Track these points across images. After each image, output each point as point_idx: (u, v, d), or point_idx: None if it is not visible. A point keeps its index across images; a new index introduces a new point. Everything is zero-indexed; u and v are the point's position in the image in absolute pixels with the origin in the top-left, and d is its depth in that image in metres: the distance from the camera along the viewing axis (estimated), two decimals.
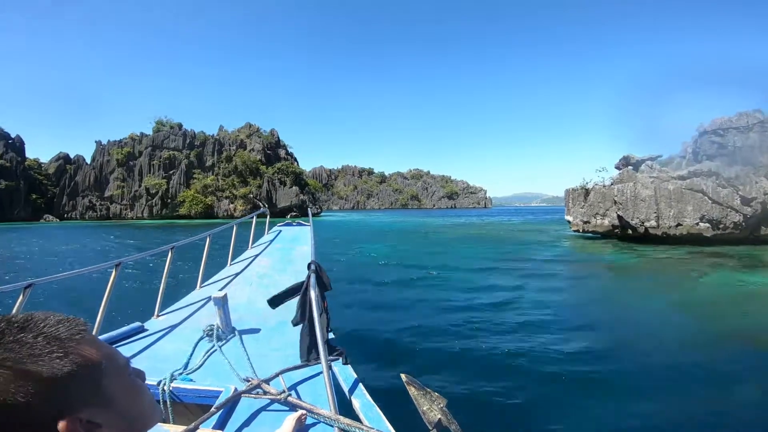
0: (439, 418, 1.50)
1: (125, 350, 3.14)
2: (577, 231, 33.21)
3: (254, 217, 8.64)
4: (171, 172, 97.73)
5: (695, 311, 10.48)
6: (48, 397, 0.52)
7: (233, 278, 5.46)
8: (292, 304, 3.10)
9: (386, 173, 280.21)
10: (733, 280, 14.25)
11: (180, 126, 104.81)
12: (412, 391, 1.66)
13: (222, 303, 3.36)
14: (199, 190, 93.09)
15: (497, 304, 10.81)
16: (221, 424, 2.09)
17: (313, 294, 2.72)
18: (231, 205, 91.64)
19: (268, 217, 9.77)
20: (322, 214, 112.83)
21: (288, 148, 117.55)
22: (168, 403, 2.35)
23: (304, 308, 2.90)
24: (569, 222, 34.47)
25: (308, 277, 2.96)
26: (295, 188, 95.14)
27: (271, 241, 7.95)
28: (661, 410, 5.31)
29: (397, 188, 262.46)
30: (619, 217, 28.76)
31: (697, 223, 25.68)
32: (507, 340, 7.92)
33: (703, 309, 10.69)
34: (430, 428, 1.56)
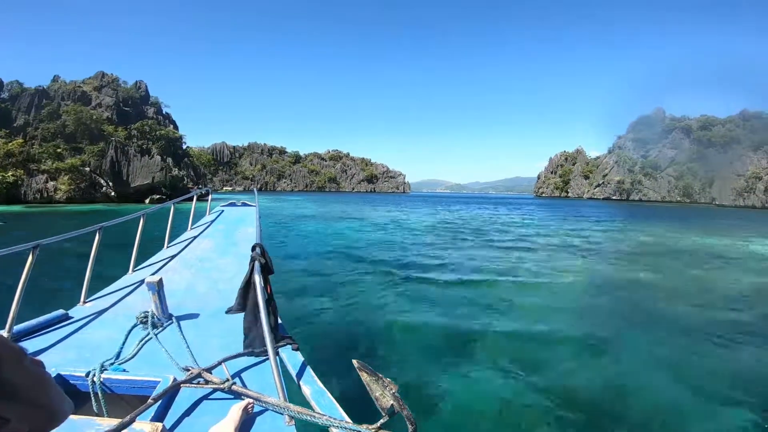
0: (392, 404, 1.50)
1: (46, 339, 2.83)
2: None
3: (194, 196, 8.14)
4: None
5: None
6: None
7: (170, 261, 4.99)
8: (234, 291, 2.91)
9: (302, 153, 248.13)
10: None
11: None
12: (365, 377, 1.59)
13: (156, 288, 3.01)
14: None
15: None
16: (160, 415, 1.92)
17: (257, 279, 2.53)
18: (50, 183, 57.01)
19: (210, 196, 9.17)
20: (213, 196, 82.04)
21: (163, 107, 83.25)
22: (100, 395, 2.14)
23: (245, 295, 2.69)
24: None
25: (252, 260, 2.68)
26: (158, 159, 62.82)
27: (213, 221, 7.50)
28: None
29: (313, 169, 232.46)
30: None
31: None
32: None
33: None
34: (383, 414, 1.54)
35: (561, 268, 14.84)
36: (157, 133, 70.12)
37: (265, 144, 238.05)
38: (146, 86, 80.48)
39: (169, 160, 71.31)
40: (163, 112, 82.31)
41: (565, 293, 11.61)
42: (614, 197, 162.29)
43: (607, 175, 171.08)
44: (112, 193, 59.53)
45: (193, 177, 74.53)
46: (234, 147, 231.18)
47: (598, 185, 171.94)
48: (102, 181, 60.02)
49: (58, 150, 60.21)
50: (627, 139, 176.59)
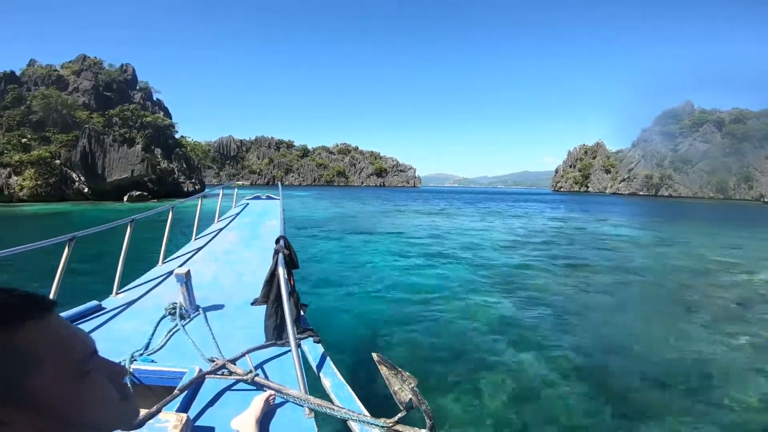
0: (410, 398, 1.49)
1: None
2: None
3: (221, 190, 8.36)
4: None
5: None
6: None
7: (198, 254, 5.06)
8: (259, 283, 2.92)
9: (310, 147, 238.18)
10: None
11: None
12: (384, 370, 1.58)
13: (185, 280, 3.05)
14: None
15: None
16: (185, 406, 1.93)
17: (281, 271, 2.48)
18: (13, 179, 47.69)
19: (236, 190, 9.52)
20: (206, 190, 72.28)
21: (154, 93, 73.52)
22: (129, 385, 2.00)
23: (270, 287, 2.67)
24: None
25: (276, 253, 2.68)
26: (139, 148, 52.66)
27: (238, 214, 7.59)
28: None
29: (321, 163, 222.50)
30: None
31: None
32: None
33: None
34: (402, 408, 1.53)
35: None
36: (143, 120, 60.39)
37: (272, 137, 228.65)
38: (134, 69, 70.68)
39: (158, 150, 61.81)
40: (154, 98, 72.66)
41: None
42: (641, 192, 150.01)
43: (632, 169, 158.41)
44: (86, 190, 50.10)
45: (186, 170, 64.79)
46: (241, 141, 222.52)
47: (624, 180, 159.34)
48: (74, 176, 50.61)
49: (24, 140, 50.83)
50: (653, 132, 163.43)
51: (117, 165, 50.59)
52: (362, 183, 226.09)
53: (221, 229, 6.29)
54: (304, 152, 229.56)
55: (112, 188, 50.77)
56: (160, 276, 4.14)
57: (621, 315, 9.11)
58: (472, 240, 20.75)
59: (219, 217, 7.15)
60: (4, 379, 0.42)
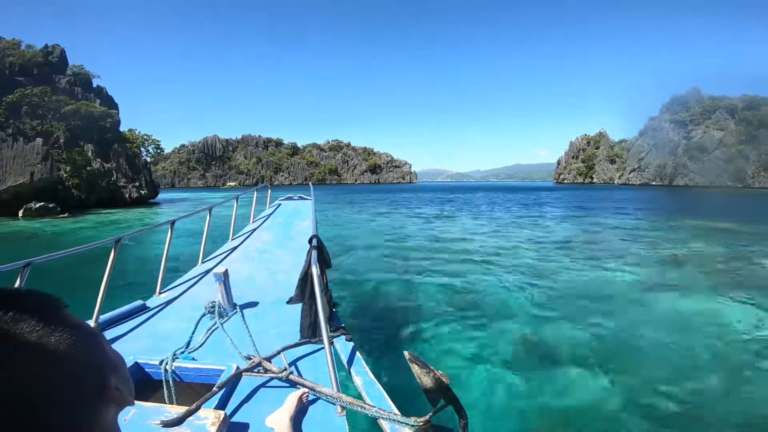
0: (442, 397, 1.48)
1: (126, 328, 3.00)
2: None
3: (255, 191, 8.42)
4: None
5: None
6: (95, 363, 0.46)
7: (234, 253, 5.20)
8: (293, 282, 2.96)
9: (300, 144, 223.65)
10: None
11: None
12: (416, 369, 1.56)
13: (223, 279, 3.09)
14: None
15: None
16: (223, 403, 1.97)
17: (314, 270, 2.48)
18: None
19: (270, 191, 9.41)
20: (203, 194, 58.25)
21: (92, 78, 59.12)
22: (171, 383, 2.16)
23: (304, 286, 2.71)
24: None
25: (309, 252, 2.68)
26: (38, 143, 38.12)
27: (271, 215, 7.71)
28: None
29: (312, 161, 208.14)
30: None
31: None
32: None
33: None
34: (433, 407, 1.52)
35: None
36: (65, 109, 46.23)
37: (260, 136, 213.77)
38: (63, 51, 55.96)
39: (89, 147, 47.83)
40: (93, 85, 58.42)
41: None
42: (654, 182, 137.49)
43: (643, 158, 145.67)
44: None
45: (127, 171, 50.74)
46: (227, 140, 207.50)
47: (634, 170, 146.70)
48: None
49: None
50: (662, 120, 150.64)
51: (11, 167, 36.48)
52: (356, 180, 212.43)
53: (255, 229, 6.41)
54: (294, 150, 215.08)
55: (10, 197, 36.80)
56: (200, 275, 4.19)
57: None
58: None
59: (254, 218, 7.23)
60: (101, 350, 0.48)
